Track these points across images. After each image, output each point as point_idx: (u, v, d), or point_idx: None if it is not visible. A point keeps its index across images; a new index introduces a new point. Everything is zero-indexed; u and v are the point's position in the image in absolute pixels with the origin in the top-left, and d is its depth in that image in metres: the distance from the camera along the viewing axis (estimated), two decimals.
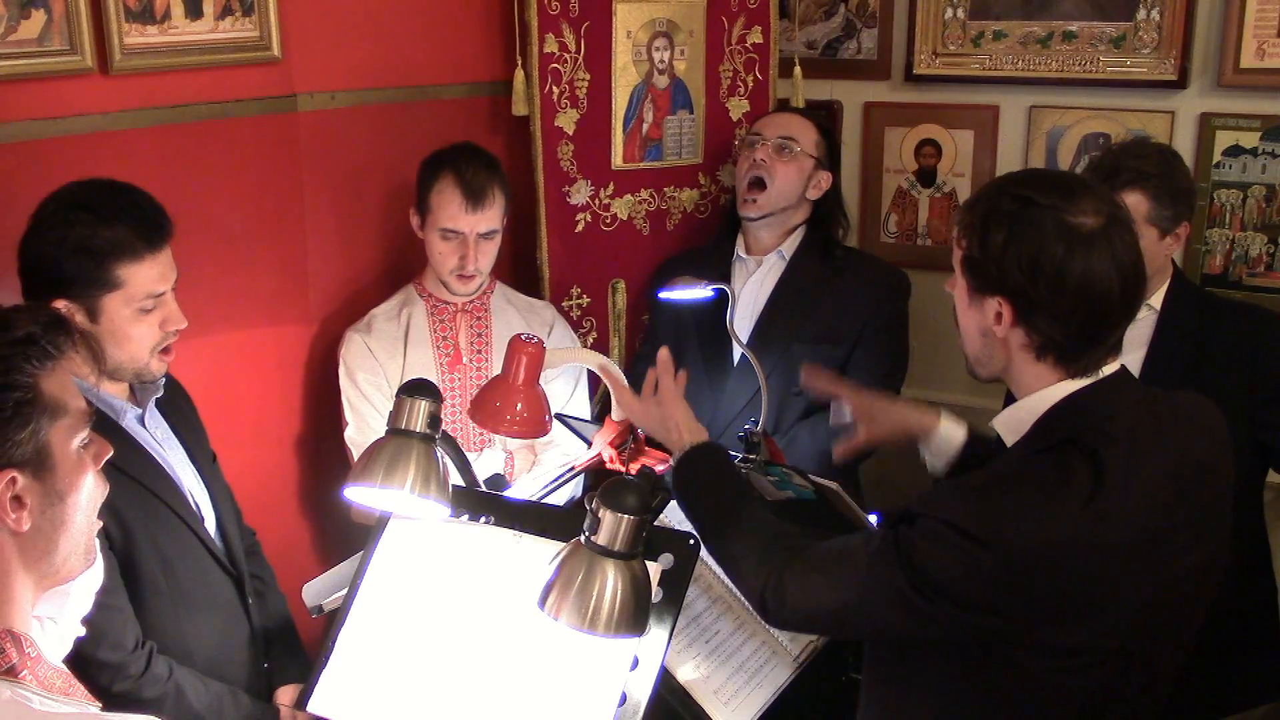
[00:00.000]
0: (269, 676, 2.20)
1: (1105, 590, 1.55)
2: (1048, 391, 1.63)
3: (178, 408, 2.18)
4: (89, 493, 1.39)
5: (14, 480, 1.28)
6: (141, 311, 1.97)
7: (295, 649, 2.25)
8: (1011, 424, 1.68)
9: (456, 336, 2.75)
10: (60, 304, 1.93)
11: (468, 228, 2.62)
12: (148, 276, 1.97)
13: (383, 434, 2.57)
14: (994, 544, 1.50)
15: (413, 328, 2.73)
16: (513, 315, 2.83)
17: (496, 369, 2.71)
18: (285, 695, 2.14)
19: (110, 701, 1.85)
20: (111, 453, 1.45)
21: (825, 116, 3.18)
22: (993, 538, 1.50)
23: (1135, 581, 1.56)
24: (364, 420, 2.65)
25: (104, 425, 1.97)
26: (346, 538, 2.54)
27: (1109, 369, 1.64)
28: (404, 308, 2.75)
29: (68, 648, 1.54)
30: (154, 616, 2.00)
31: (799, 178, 2.85)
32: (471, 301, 2.77)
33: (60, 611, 1.53)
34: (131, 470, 1.98)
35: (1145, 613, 1.59)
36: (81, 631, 1.60)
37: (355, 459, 2.56)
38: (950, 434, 2.03)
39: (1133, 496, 1.54)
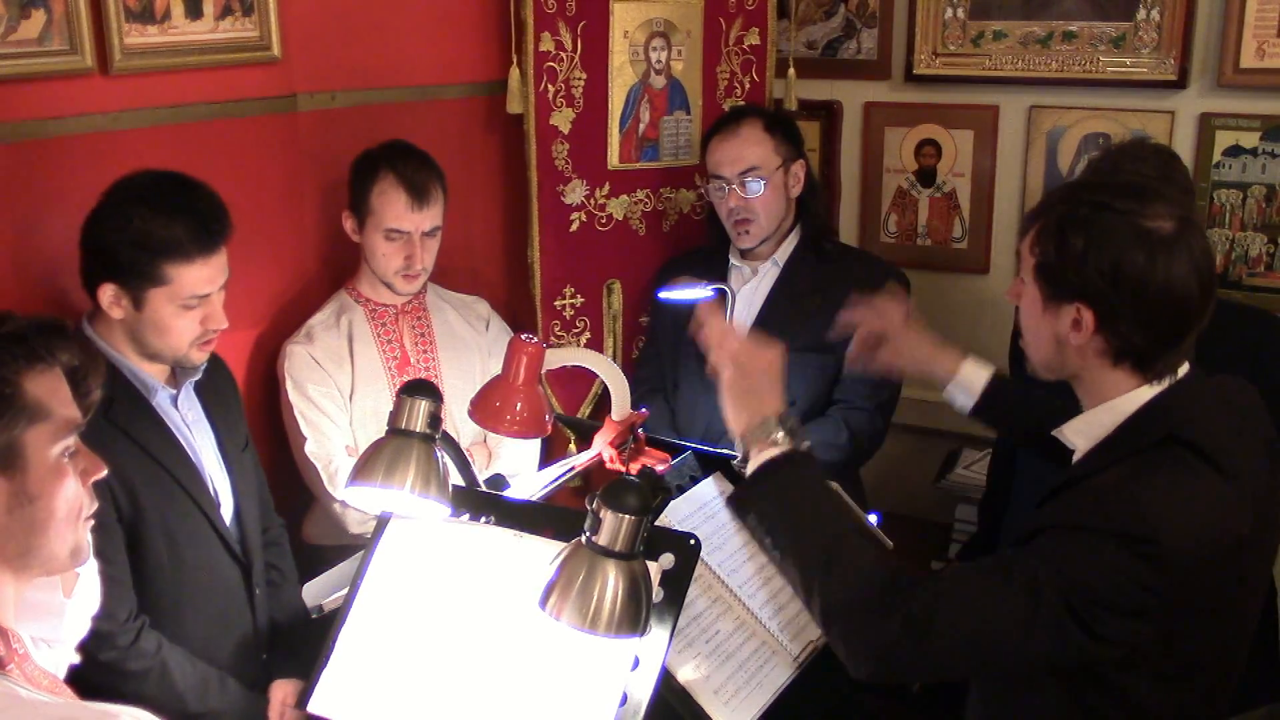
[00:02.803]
0: (267, 669, 2.20)
1: (1242, 584, 1.56)
2: (1127, 398, 1.63)
3: (218, 391, 2.22)
4: (69, 501, 1.36)
5: None
6: (184, 308, 2.02)
7: (301, 645, 2.25)
8: (1088, 430, 1.67)
9: (401, 338, 2.74)
10: (109, 288, 2.00)
11: (413, 226, 2.61)
12: (196, 278, 2.02)
13: (341, 445, 2.62)
14: (1156, 540, 1.47)
15: (355, 334, 2.70)
16: (449, 312, 2.84)
17: (444, 366, 2.76)
18: (279, 690, 2.13)
19: (95, 668, 1.86)
20: (104, 473, 1.43)
21: (758, 107, 3.10)
22: (1153, 534, 1.47)
23: (1258, 573, 1.59)
24: (321, 433, 2.61)
25: (131, 400, 2.04)
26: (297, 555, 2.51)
27: (1180, 371, 1.64)
28: (342, 315, 2.72)
29: (61, 673, 1.52)
30: (153, 590, 2.04)
31: (779, 196, 2.82)
32: (410, 302, 2.76)
33: (55, 633, 1.51)
34: (151, 448, 2.03)
35: (1249, 620, 1.61)
36: (76, 659, 1.58)
37: (319, 474, 2.59)
38: (973, 375, 2.07)
39: (1245, 485, 1.55)
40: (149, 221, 1.97)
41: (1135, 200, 1.58)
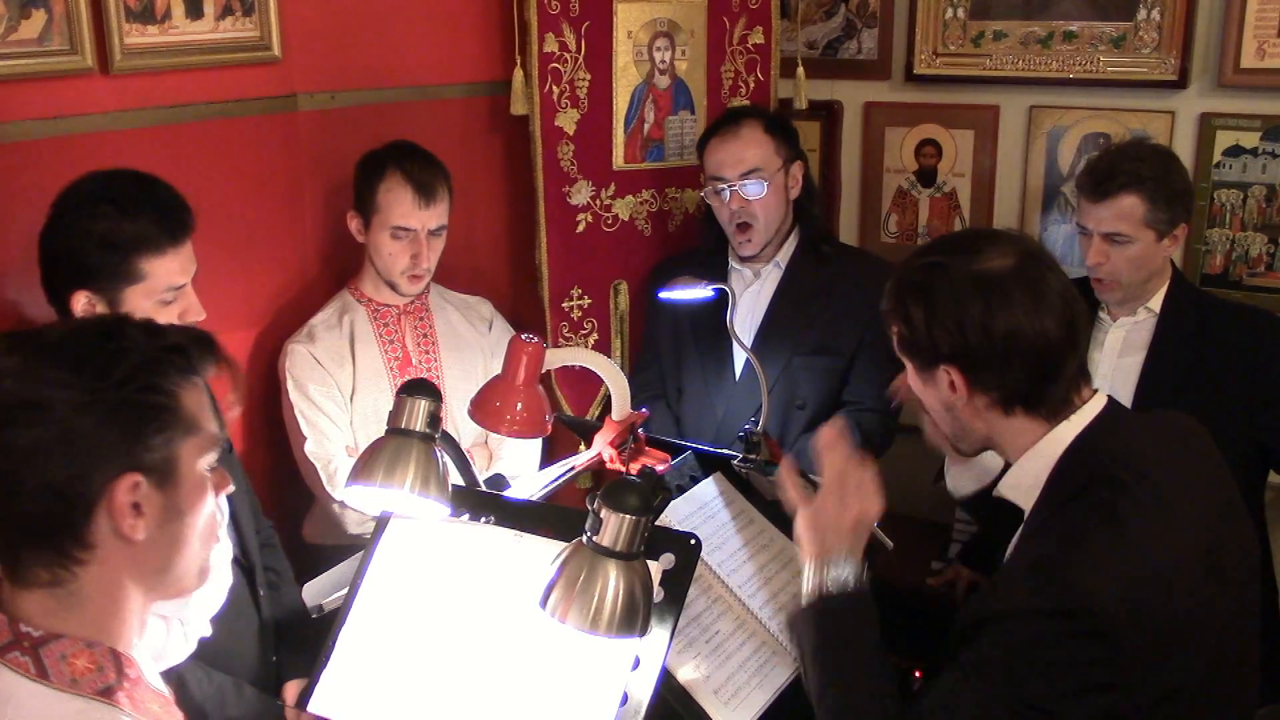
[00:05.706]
0: (278, 669, 2.19)
1: (1198, 620, 1.49)
2: (1044, 444, 1.60)
3: None
4: (206, 518, 1.36)
5: (137, 485, 1.25)
6: (162, 304, 2.00)
7: (306, 644, 2.24)
8: (1022, 484, 1.63)
9: (403, 339, 2.75)
10: (81, 296, 1.96)
11: (419, 224, 2.63)
12: (169, 269, 2.00)
13: (341, 445, 2.63)
14: (1092, 611, 1.42)
15: (357, 334, 2.71)
16: (452, 313, 2.85)
17: (446, 367, 2.77)
18: (292, 690, 2.12)
19: None
20: (232, 488, 1.42)
21: (756, 107, 3.06)
22: (1089, 605, 1.42)
23: (1213, 602, 1.51)
24: (321, 433, 2.62)
25: None
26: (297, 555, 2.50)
27: (1093, 404, 1.61)
28: (344, 315, 2.73)
29: (192, 646, 1.51)
30: None
31: (779, 199, 2.79)
32: (413, 303, 2.77)
33: (182, 611, 1.50)
34: None
35: (1229, 634, 1.54)
36: (208, 631, 1.56)
37: (319, 474, 2.59)
38: (993, 460, 1.93)
39: (1183, 513, 1.51)
40: (115, 220, 1.95)
41: (967, 250, 1.57)
